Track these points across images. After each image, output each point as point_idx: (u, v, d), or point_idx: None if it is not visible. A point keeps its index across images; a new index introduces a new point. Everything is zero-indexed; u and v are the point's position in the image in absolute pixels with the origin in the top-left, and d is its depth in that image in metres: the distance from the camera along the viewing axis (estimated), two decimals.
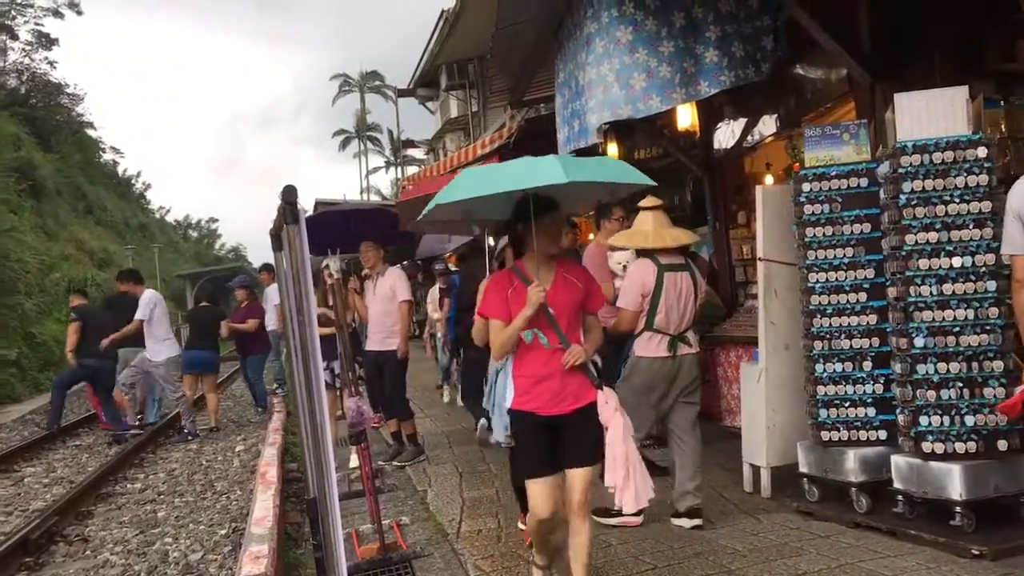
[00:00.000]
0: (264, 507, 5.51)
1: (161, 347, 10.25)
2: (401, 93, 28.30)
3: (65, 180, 38.83)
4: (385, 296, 7.45)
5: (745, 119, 8.19)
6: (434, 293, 10.76)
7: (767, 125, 8.05)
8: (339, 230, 7.06)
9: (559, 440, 3.58)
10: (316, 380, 2.34)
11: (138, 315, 10.14)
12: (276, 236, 3.19)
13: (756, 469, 5.62)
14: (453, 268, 10.96)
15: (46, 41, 40.50)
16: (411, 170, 35.20)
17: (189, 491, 7.61)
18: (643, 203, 5.33)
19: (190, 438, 10.45)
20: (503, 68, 9.00)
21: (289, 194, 2.35)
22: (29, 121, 36.50)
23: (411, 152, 37.78)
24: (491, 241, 4.15)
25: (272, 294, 12.90)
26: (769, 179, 8.60)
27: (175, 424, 11.98)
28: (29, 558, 5.67)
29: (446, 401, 10.63)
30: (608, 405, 3.55)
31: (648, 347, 5.07)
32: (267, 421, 10.72)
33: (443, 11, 19.37)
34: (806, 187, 5.06)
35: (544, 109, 10.85)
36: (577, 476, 3.57)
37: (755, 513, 5.21)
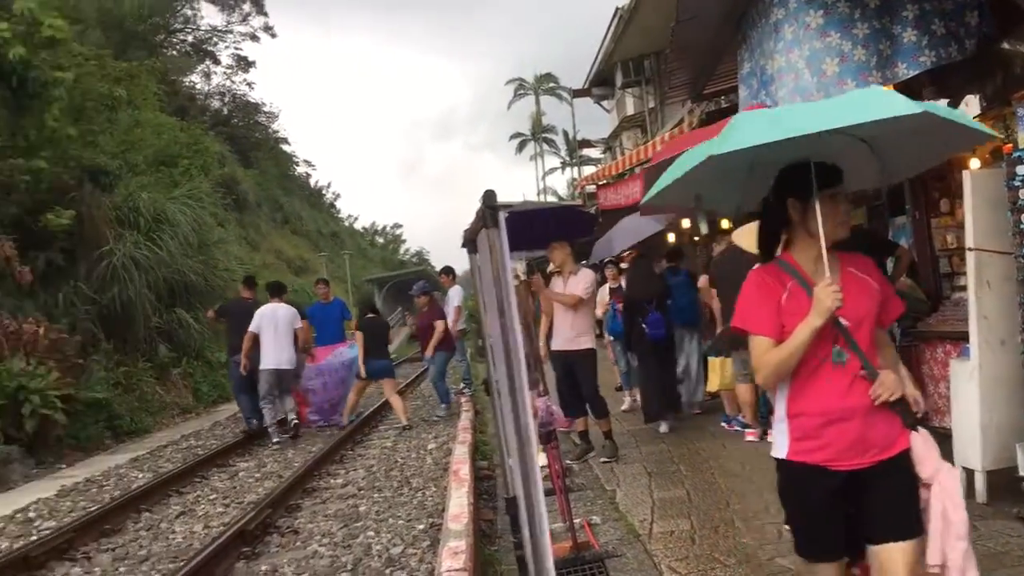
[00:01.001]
0: (459, 504, 5.66)
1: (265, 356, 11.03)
2: (576, 93, 28.40)
3: (264, 193, 41.45)
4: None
5: (946, 100, 7.68)
6: (603, 294, 10.73)
7: (971, 106, 7.52)
8: (521, 230, 7.14)
9: (859, 504, 2.60)
10: (519, 379, 2.37)
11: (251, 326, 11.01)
12: (471, 240, 3.27)
13: (970, 473, 5.26)
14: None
15: (244, 64, 43.40)
16: (588, 170, 35.28)
17: (387, 487, 7.93)
18: None
19: (274, 441, 11.00)
20: (682, 62, 8.86)
21: (489, 198, 2.40)
22: (231, 139, 39.19)
23: (587, 152, 37.86)
24: (703, 228, 3.34)
25: (453, 295, 13.24)
26: (975, 163, 8.04)
27: (370, 422, 12.56)
28: (247, 547, 6.07)
29: (623, 409, 10.54)
30: (930, 454, 2.63)
31: None
32: (456, 420, 11.02)
33: (617, 9, 19.30)
34: (1021, 170, 4.69)
35: (725, 102, 10.60)
36: (896, 556, 2.55)
37: (970, 520, 4.87)
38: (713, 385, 8.70)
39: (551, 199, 50.05)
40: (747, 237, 4.87)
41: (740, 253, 5.06)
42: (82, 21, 20.38)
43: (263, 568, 5.67)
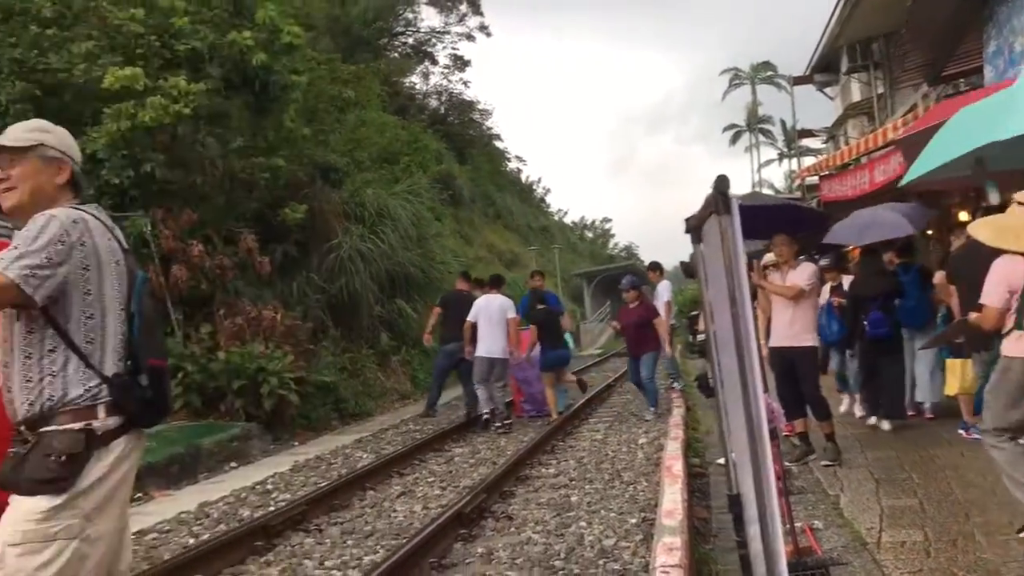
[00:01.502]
0: (672, 500, 5.56)
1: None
2: (797, 81, 27.20)
3: (478, 189, 42.64)
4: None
5: None
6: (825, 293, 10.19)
7: None
8: (741, 221, 6.92)
9: None
10: (751, 370, 2.28)
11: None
12: (696, 228, 3.17)
13: None
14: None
15: (460, 63, 44.74)
16: (807, 161, 33.78)
17: (598, 479, 7.93)
18: (1019, 196, 4.50)
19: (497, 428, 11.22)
20: (918, 42, 8.30)
21: (721, 183, 2.31)
22: (447, 137, 40.56)
23: (806, 142, 36.27)
24: (994, 198, 2.93)
25: (663, 291, 13.03)
26: None
27: (580, 414, 12.63)
28: (464, 529, 6.25)
29: (842, 411, 9.96)
30: None
31: (1020, 347, 4.56)
32: (667, 416, 10.87)
33: None
34: None
35: (964, 85, 9.82)
36: None
37: None
38: (951, 389, 8.06)
39: (767, 192, 48.44)
40: (985, 230, 4.54)
41: (979, 247, 4.65)
42: (314, 28, 21.72)
43: (479, 550, 5.82)
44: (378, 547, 6.03)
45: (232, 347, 11.65)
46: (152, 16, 12.56)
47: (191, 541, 6.44)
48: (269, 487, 8.38)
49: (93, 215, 2.61)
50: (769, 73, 59.61)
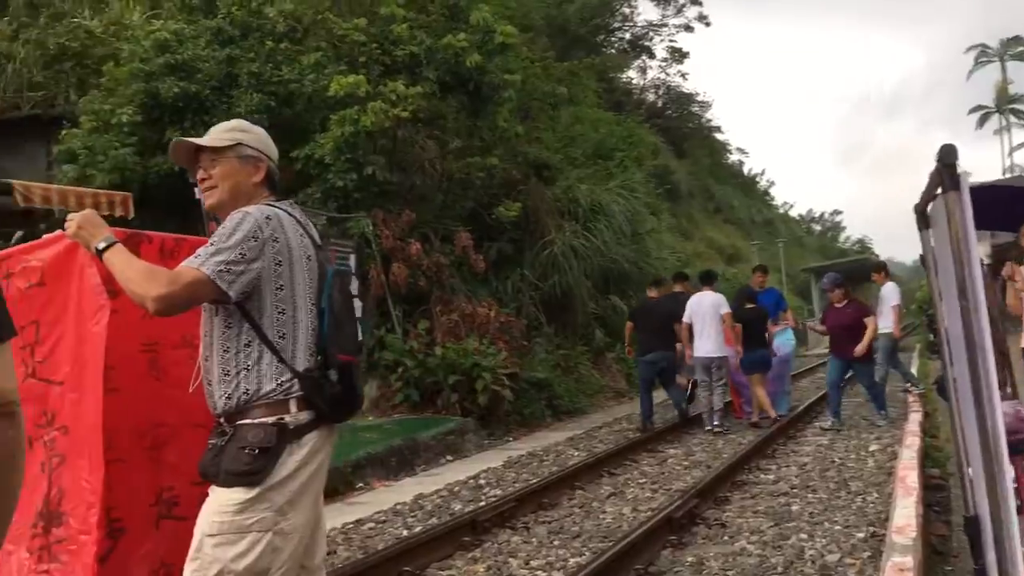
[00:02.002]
0: (905, 515, 5.06)
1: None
2: None
3: (696, 182, 41.76)
4: None
5: None
6: None
7: None
8: (989, 205, 6.20)
9: None
10: (985, 376, 1.92)
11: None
12: (922, 212, 2.80)
13: None
14: None
15: (678, 55, 43.98)
16: None
17: (822, 487, 7.41)
18: None
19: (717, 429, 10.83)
20: None
21: (947, 155, 1.96)
22: (664, 131, 39.98)
23: None
24: None
25: (889, 294, 11.95)
26: None
27: (804, 417, 11.96)
28: (673, 536, 5.99)
29: None
30: None
31: None
32: (903, 422, 10.04)
33: None
34: None
35: None
36: None
37: None
38: None
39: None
40: None
41: None
42: (530, 28, 21.95)
43: (688, 559, 5.54)
44: (584, 549, 5.89)
45: (448, 343, 11.93)
46: (374, 25, 13.11)
47: (404, 533, 6.57)
48: (481, 482, 8.46)
49: (286, 211, 2.65)
50: (1020, 49, 54.39)
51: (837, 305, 11.05)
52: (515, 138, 14.50)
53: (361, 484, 8.73)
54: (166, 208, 11.79)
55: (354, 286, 11.40)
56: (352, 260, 11.49)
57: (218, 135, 2.72)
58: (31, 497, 2.72)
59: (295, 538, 2.50)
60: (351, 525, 6.88)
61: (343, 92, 11.68)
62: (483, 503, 7.34)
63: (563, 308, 15.56)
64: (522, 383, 12.55)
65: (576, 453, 9.99)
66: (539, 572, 5.38)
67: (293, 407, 2.51)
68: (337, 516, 7.23)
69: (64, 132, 12.68)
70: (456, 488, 8.17)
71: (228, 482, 2.44)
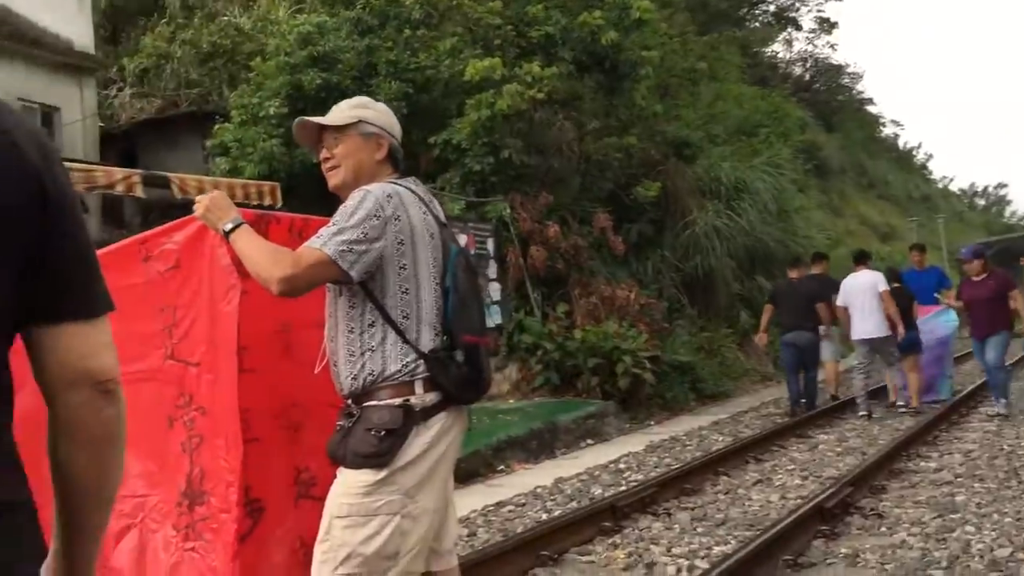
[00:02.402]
0: None
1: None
2: None
3: (847, 157, 39.96)
4: None
5: None
6: None
7: None
8: None
9: None
10: None
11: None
12: None
13: None
14: None
15: (827, 26, 42.14)
16: None
17: (989, 476, 6.88)
18: None
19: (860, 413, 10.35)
20: None
21: None
22: (811, 105, 38.41)
23: None
24: None
25: None
26: None
27: (968, 402, 11.23)
28: (825, 526, 5.67)
29: None
30: None
31: None
32: None
33: None
34: None
35: None
36: None
37: None
38: None
39: None
40: None
41: None
42: (670, 4, 21.39)
43: (842, 551, 5.22)
44: (729, 537, 5.65)
45: (588, 325, 11.80)
46: (509, 7, 13.06)
47: (544, 516, 6.50)
48: (622, 466, 8.30)
49: (409, 189, 2.59)
50: None
51: (976, 278, 10.27)
52: (653, 117, 14.18)
53: (502, 467, 8.73)
54: (312, 197, 12.11)
55: (492, 269, 11.50)
56: (490, 244, 11.53)
57: (340, 113, 2.68)
58: (175, 476, 2.77)
59: (424, 521, 2.45)
60: (491, 507, 6.86)
61: (479, 76, 11.68)
62: (623, 488, 7.18)
63: (706, 289, 15.16)
64: (664, 366, 12.28)
65: (720, 438, 9.69)
66: (681, 560, 5.18)
67: (419, 388, 2.45)
68: (478, 498, 7.24)
69: (217, 126, 13.24)
70: (596, 472, 8.05)
71: (355, 464, 2.41)
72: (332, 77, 12.41)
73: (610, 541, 5.67)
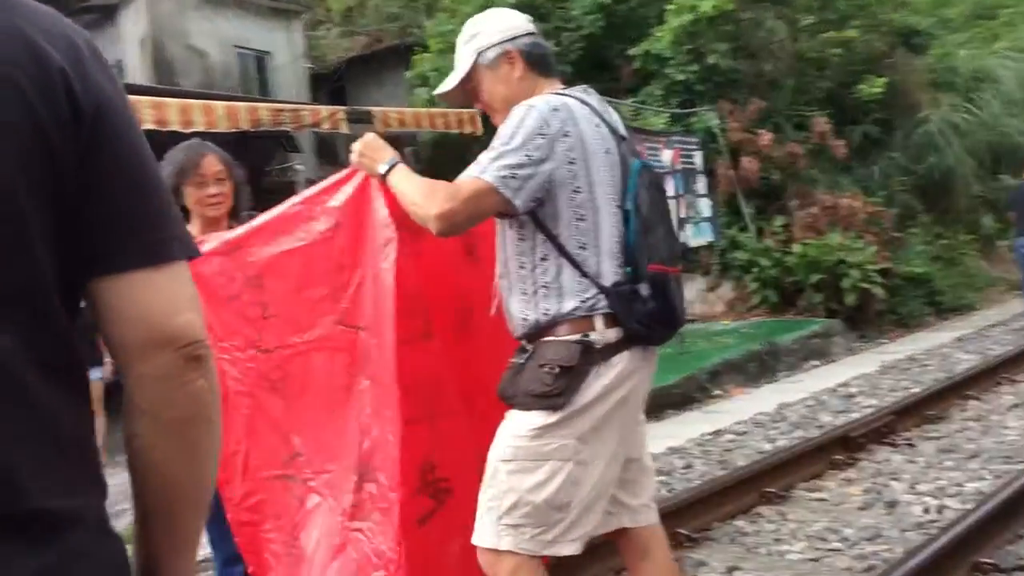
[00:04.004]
0: None
1: None
2: None
3: None
4: None
5: None
6: None
7: None
8: None
9: None
10: None
11: None
12: None
13: None
14: None
15: None
16: None
17: None
18: None
19: None
20: None
21: None
22: None
23: None
24: None
25: None
26: None
27: None
28: None
29: None
30: None
31: None
32: None
33: None
34: None
35: None
36: None
37: None
38: None
39: None
40: None
41: None
42: None
43: None
44: (984, 472, 4.99)
45: (808, 239, 10.99)
46: None
47: (766, 446, 6.07)
48: (852, 390, 7.65)
49: (579, 99, 2.28)
50: None
51: None
52: (876, 5, 12.81)
53: (718, 391, 8.35)
54: None
55: (701, 184, 10.87)
56: (698, 157, 10.91)
57: (458, 61, 2.39)
58: (350, 450, 2.51)
59: (597, 470, 2.20)
60: (708, 436, 6.50)
61: None
62: (856, 415, 6.59)
63: (942, 193, 13.76)
64: (896, 279, 11.29)
65: (966, 357, 8.75)
66: (928, 499, 4.60)
67: (599, 324, 2.17)
68: (694, 426, 6.91)
69: (416, 57, 13.25)
70: (823, 397, 7.47)
71: (527, 404, 2.17)
72: None
73: (843, 476, 5.16)
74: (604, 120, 2.28)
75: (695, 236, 10.53)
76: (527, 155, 2.11)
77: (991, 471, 4.99)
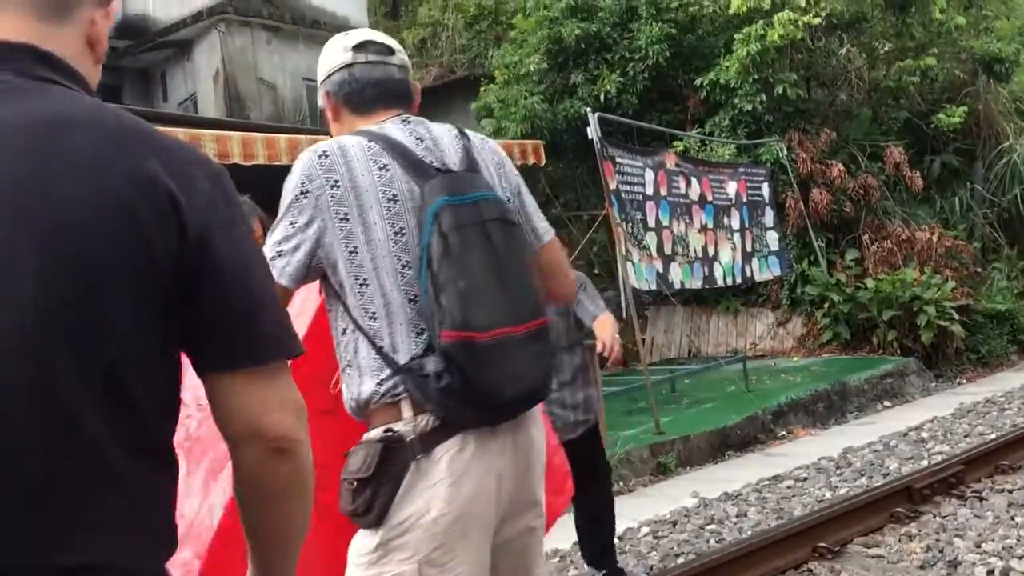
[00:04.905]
0: None
1: None
2: None
3: None
4: None
5: None
6: None
7: None
8: None
9: None
10: None
11: None
12: None
13: None
14: None
15: None
16: None
17: None
18: None
19: None
20: None
21: None
22: None
23: None
24: None
25: None
26: None
27: None
28: None
29: None
30: None
31: None
32: None
33: None
34: None
35: None
36: None
37: None
38: None
39: None
40: None
41: None
42: None
43: None
44: None
45: (882, 273, 10.60)
46: None
47: (827, 495, 5.81)
48: (924, 435, 7.29)
49: (373, 135, 1.88)
50: None
51: None
52: (956, 31, 12.37)
53: (783, 433, 8.06)
54: (574, 152, 11.87)
55: (769, 217, 10.60)
56: (765, 189, 10.66)
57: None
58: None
59: None
60: (767, 482, 6.26)
61: (746, 7, 10.71)
62: (925, 462, 6.27)
63: None
64: (976, 316, 10.79)
65: None
66: (993, 559, 4.29)
67: (407, 410, 1.79)
68: (753, 469, 6.69)
69: (483, 88, 13.29)
70: (892, 442, 7.13)
71: (353, 522, 1.84)
72: (591, 26, 11.96)
73: (904, 531, 4.87)
74: (407, 158, 1.86)
75: (762, 270, 10.26)
76: (291, 222, 1.81)
77: None
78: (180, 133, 6.64)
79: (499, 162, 2.03)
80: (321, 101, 2.05)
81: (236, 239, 1.11)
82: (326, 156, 1.83)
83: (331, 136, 2.00)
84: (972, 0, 13.12)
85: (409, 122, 1.95)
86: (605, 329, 3.50)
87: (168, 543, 1.12)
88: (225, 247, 1.09)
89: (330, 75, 2.01)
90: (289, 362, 1.15)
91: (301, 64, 13.75)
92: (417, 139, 1.90)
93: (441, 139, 1.94)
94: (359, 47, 2.00)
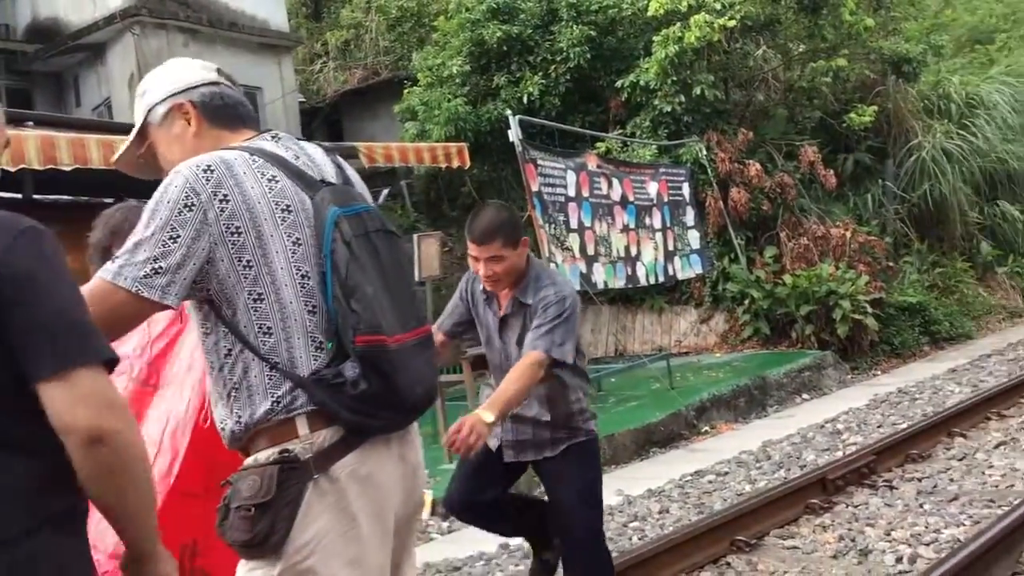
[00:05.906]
0: None
1: None
2: None
3: None
4: None
5: None
6: None
7: None
8: None
9: None
10: None
11: None
12: None
13: None
14: None
15: None
16: None
17: None
18: None
19: None
20: None
21: None
22: None
23: None
24: None
25: None
26: None
27: None
28: None
29: None
30: None
31: None
32: None
33: None
34: None
35: None
36: None
37: None
38: None
39: None
40: None
41: None
42: None
43: None
44: (963, 517, 4.84)
45: (799, 270, 10.87)
46: None
47: (747, 488, 5.95)
48: (840, 426, 7.51)
49: (254, 149, 1.85)
50: None
51: None
52: (865, 33, 12.76)
53: (707, 428, 8.21)
54: (499, 154, 11.90)
55: (690, 216, 10.77)
56: (686, 188, 10.84)
57: (136, 115, 2.00)
58: None
59: None
60: (689, 477, 6.38)
61: (663, 9, 10.89)
62: (839, 453, 6.47)
63: (937, 220, 13.63)
64: (889, 309, 11.15)
65: (957, 389, 8.61)
66: (902, 546, 4.45)
67: (303, 427, 1.75)
68: (676, 466, 6.80)
69: (406, 90, 13.23)
70: (810, 434, 7.34)
71: (243, 555, 1.75)
72: (513, 28, 12.01)
73: (818, 521, 5.04)
74: (291, 170, 1.84)
75: (684, 268, 10.43)
76: (171, 237, 1.70)
77: (970, 515, 4.84)
78: (94, 139, 6.43)
79: (362, 182, 2.04)
80: (166, 110, 1.94)
81: (39, 276, 1.37)
82: (211, 170, 1.76)
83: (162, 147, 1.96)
84: (881, 2, 13.52)
85: (280, 138, 1.93)
86: (467, 418, 2.91)
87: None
88: (31, 286, 1.35)
89: (195, 87, 1.94)
90: (99, 364, 1.37)
91: (221, 67, 13.47)
92: (294, 155, 1.89)
93: (315, 155, 1.93)
94: (219, 71, 2.01)
